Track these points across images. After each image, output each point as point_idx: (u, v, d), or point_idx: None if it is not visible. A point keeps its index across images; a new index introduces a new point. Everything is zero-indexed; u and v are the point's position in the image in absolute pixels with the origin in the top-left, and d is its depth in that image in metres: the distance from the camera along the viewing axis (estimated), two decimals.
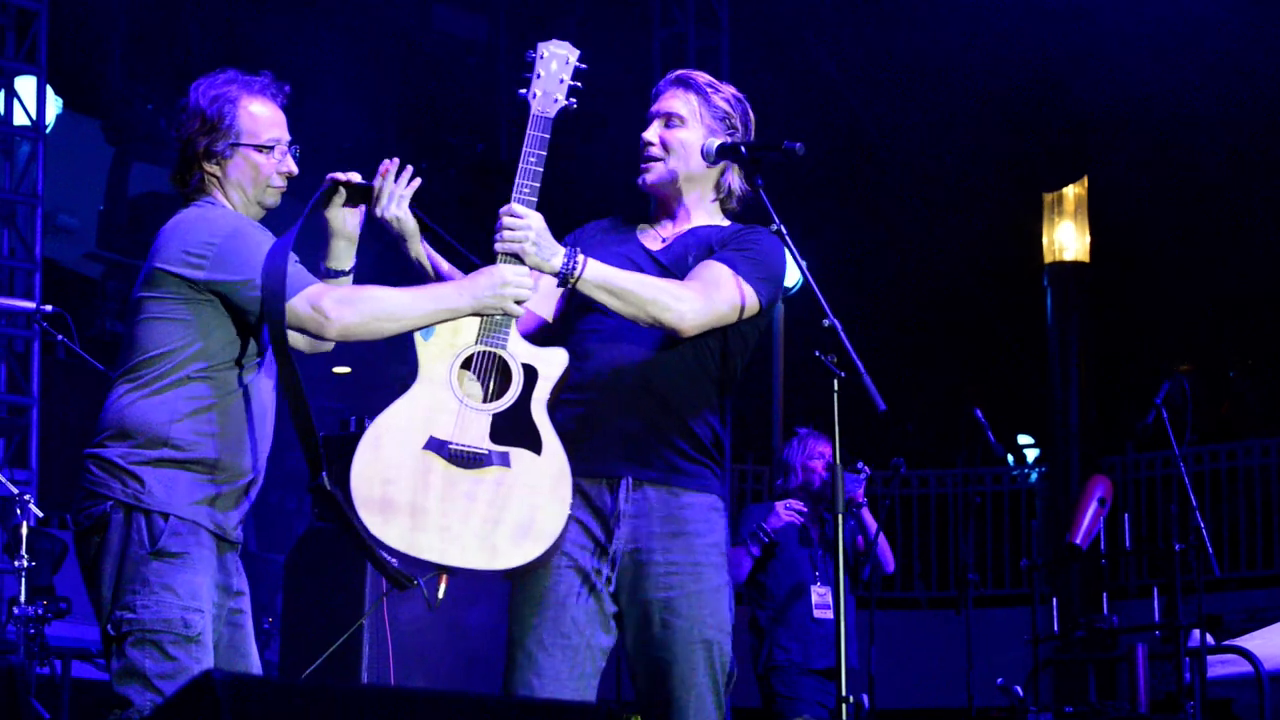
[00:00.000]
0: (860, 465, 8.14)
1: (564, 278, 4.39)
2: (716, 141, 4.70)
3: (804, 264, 4.61)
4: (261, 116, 4.56)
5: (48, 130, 11.56)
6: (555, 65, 4.61)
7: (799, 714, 7.99)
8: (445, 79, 14.57)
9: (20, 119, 11.41)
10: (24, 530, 7.84)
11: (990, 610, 12.74)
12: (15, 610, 7.83)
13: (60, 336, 8.09)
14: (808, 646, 8.06)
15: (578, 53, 4.65)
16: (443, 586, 4.33)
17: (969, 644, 8.59)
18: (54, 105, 12.27)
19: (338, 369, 16.20)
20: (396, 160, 4.63)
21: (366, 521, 4.28)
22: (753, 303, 4.54)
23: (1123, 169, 14.51)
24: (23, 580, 7.79)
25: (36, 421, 11.08)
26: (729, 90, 4.79)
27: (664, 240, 4.69)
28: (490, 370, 4.42)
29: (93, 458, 4.37)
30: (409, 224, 4.65)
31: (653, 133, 4.69)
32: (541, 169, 4.49)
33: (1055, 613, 9.53)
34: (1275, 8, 12.77)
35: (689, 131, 4.68)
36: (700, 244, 4.65)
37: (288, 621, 7.36)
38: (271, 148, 4.56)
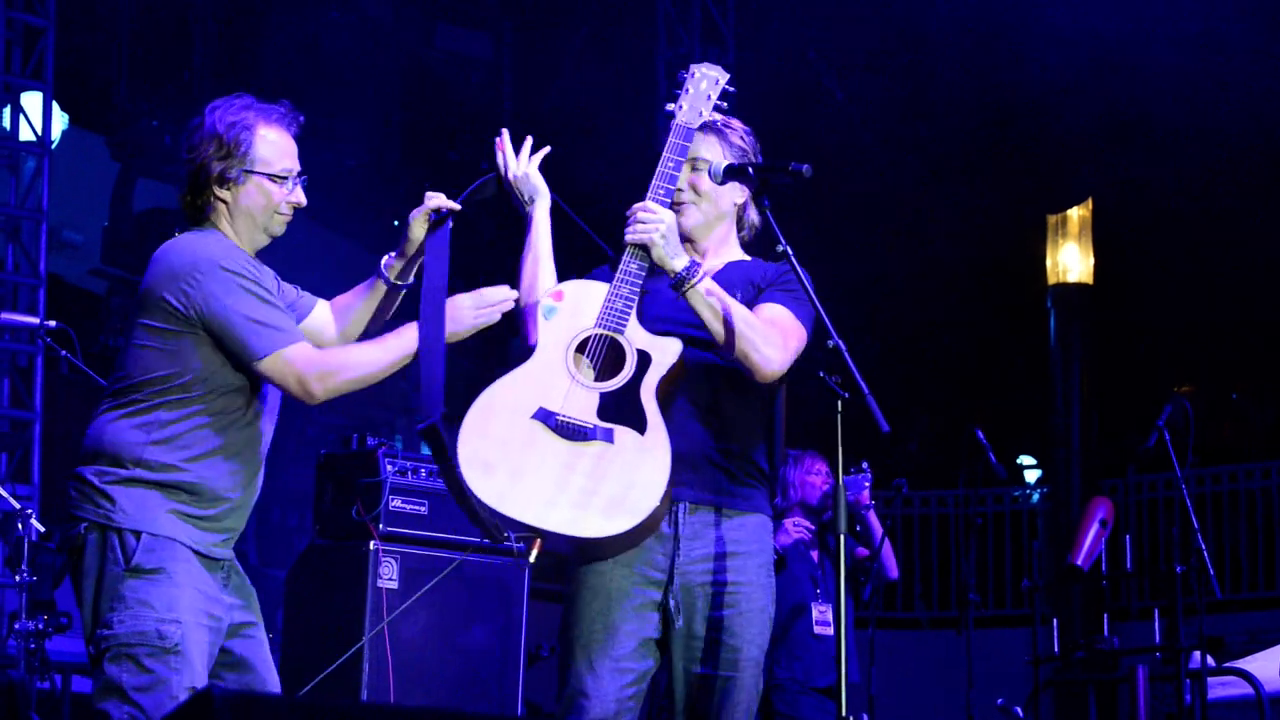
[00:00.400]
0: (864, 465, 8.16)
1: (682, 280, 4.54)
2: (724, 163, 4.77)
3: (810, 284, 4.64)
4: (278, 145, 4.60)
5: (53, 146, 11.58)
6: (705, 84, 4.82)
7: None
8: (449, 97, 14.59)
9: (26, 134, 11.42)
10: (25, 545, 7.84)
11: (991, 631, 12.71)
12: (16, 625, 7.83)
13: (64, 352, 8.09)
14: (809, 665, 8.05)
15: (728, 75, 4.86)
16: (534, 551, 4.40)
17: (969, 664, 8.58)
18: (59, 121, 12.30)
19: None
20: (505, 131, 4.92)
21: (466, 476, 4.42)
22: (805, 344, 4.73)
23: (1127, 191, 14.51)
24: (24, 595, 7.79)
25: (39, 437, 11.08)
26: (739, 125, 4.89)
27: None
28: (605, 353, 4.58)
29: (73, 478, 4.41)
30: (539, 184, 4.89)
31: (684, 179, 4.76)
32: (678, 174, 4.71)
33: (1056, 634, 9.53)
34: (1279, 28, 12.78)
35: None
36: (744, 283, 4.78)
37: (288, 637, 7.36)
38: (285, 178, 4.56)
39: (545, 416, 4.50)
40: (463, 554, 7.03)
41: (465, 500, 4.44)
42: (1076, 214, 14.78)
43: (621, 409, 4.52)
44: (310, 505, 7.54)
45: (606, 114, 13.64)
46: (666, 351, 4.60)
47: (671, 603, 4.61)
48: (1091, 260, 14.73)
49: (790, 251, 4.61)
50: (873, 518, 8.49)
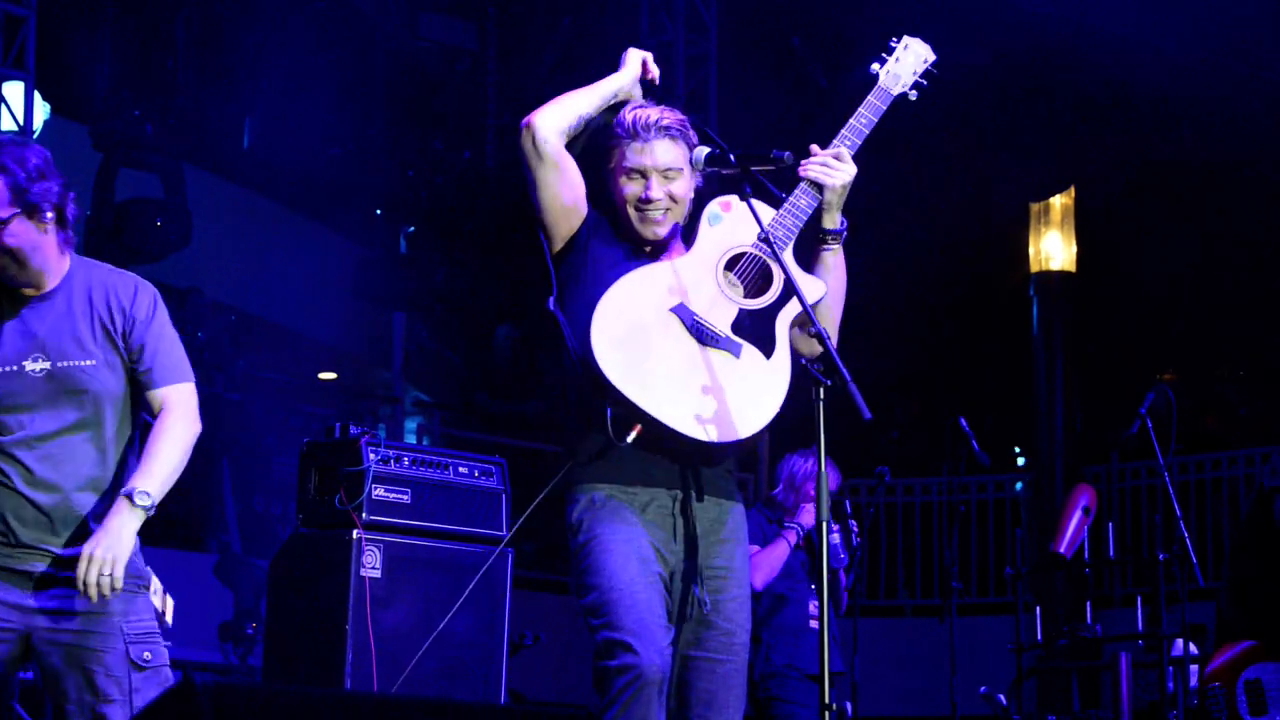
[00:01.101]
0: (834, 528, 8.11)
1: (837, 234, 4.82)
2: (705, 150, 4.78)
3: (790, 271, 4.65)
4: None
5: (35, 135, 11.55)
6: (912, 58, 5.03)
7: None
8: (433, 86, 14.58)
9: (8, 124, 11.39)
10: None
11: (974, 619, 12.74)
12: None
13: None
14: (807, 652, 8.05)
15: (934, 57, 5.03)
16: (634, 433, 4.41)
17: (953, 652, 8.58)
18: (41, 111, 12.26)
19: (323, 375, 16.23)
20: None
21: (594, 343, 4.51)
22: None
23: (1109, 179, 14.53)
24: None
25: None
26: (678, 115, 4.88)
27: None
28: (754, 273, 4.69)
29: None
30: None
31: (659, 190, 4.76)
32: (867, 132, 4.89)
33: (1039, 621, 9.55)
34: (1264, 17, 12.78)
35: (686, 179, 4.82)
36: None
37: (272, 626, 7.35)
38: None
39: (684, 313, 4.60)
40: (451, 543, 7.04)
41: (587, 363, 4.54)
42: (1059, 202, 14.80)
43: (755, 329, 4.63)
44: (294, 494, 7.52)
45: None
46: (812, 289, 4.73)
47: (696, 590, 4.64)
48: (1074, 248, 14.75)
49: (771, 240, 4.63)
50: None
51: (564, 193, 4.74)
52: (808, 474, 8.16)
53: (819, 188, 4.74)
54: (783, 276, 4.66)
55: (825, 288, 4.76)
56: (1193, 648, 8.49)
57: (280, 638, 7.22)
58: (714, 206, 4.75)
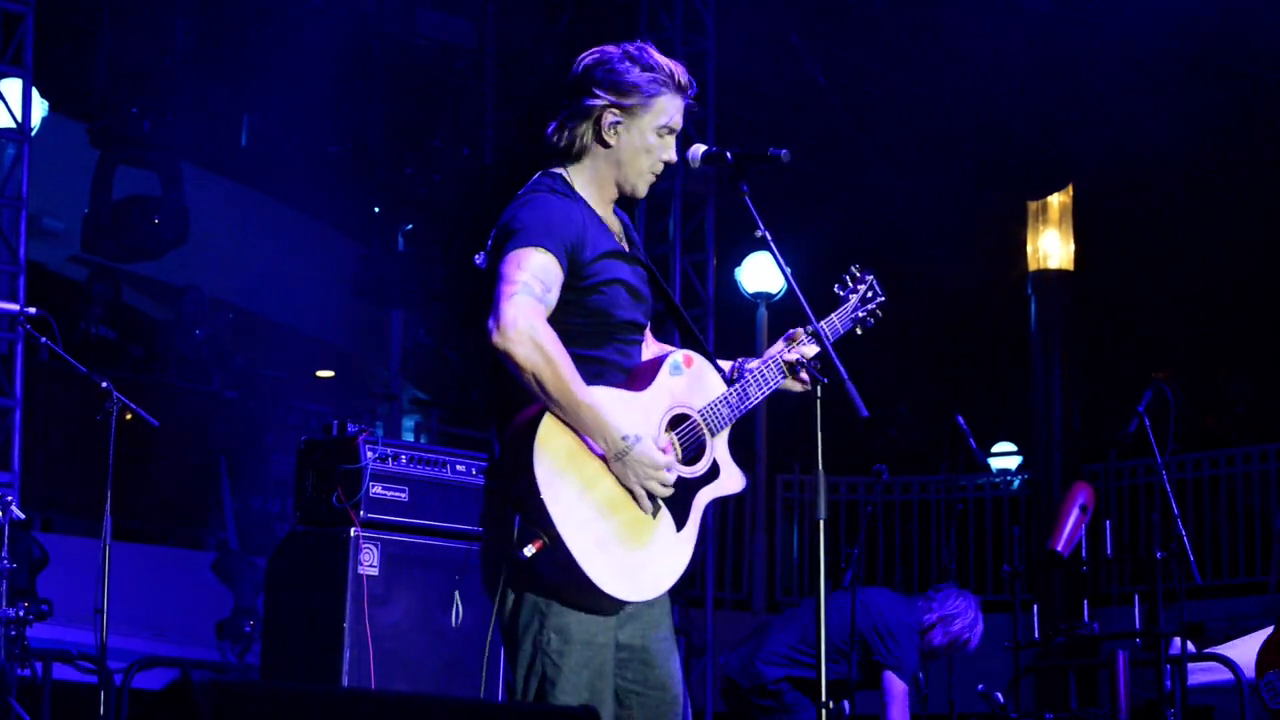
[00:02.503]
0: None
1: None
2: (702, 148, 4.74)
3: (788, 270, 4.63)
4: None
5: (33, 133, 11.54)
6: (869, 292, 4.99)
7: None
8: (431, 84, 14.56)
9: (5, 121, 11.39)
10: (5, 532, 7.82)
11: None
12: None
13: (44, 339, 8.09)
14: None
15: (882, 299, 5.00)
16: (533, 549, 4.31)
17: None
18: (39, 108, 12.25)
19: (321, 373, 16.21)
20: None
21: (538, 440, 4.26)
22: None
23: (1107, 177, 14.53)
24: (3, 582, 7.78)
25: (19, 424, 11.06)
26: None
27: (637, 256, 4.70)
28: (691, 441, 4.53)
29: None
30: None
31: (673, 152, 4.65)
32: (843, 332, 4.96)
33: (1037, 619, 9.54)
34: (1259, 14, 12.79)
35: None
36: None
37: (269, 624, 7.36)
38: None
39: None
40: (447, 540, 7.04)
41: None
42: (1057, 200, 14.80)
43: (676, 495, 4.45)
44: (291, 492, 7.53)
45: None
46: (733, 481, 4.60)
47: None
48: (1072, 246, 14.75)
49: (769, 237, 4.60)
50: None
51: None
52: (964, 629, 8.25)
53: (787, 372, 4.69)
54: (712, 456, 4.55)
55: (744, 483, 4.65)
56: (1190, 646, 8.48)
57: (278, 635, 7.24)
58: (678, 357, 4.58)
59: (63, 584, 9.31)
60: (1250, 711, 8.71)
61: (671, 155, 4.62)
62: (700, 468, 4.53)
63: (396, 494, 7.19)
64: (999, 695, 8.71)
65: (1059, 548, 8.71)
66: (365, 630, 6.85)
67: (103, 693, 8.12)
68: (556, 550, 4.27)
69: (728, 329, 13.86)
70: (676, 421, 4.53)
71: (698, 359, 4.62)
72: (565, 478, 4.30)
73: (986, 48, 13.09)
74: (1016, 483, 15.54)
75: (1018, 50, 13.23)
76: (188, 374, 13.84)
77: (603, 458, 4.34)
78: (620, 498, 4.37)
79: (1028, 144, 14.17)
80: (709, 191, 13.88)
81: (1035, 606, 9.76)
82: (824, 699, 4.56)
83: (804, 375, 4.66)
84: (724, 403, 4.58)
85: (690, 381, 4.57)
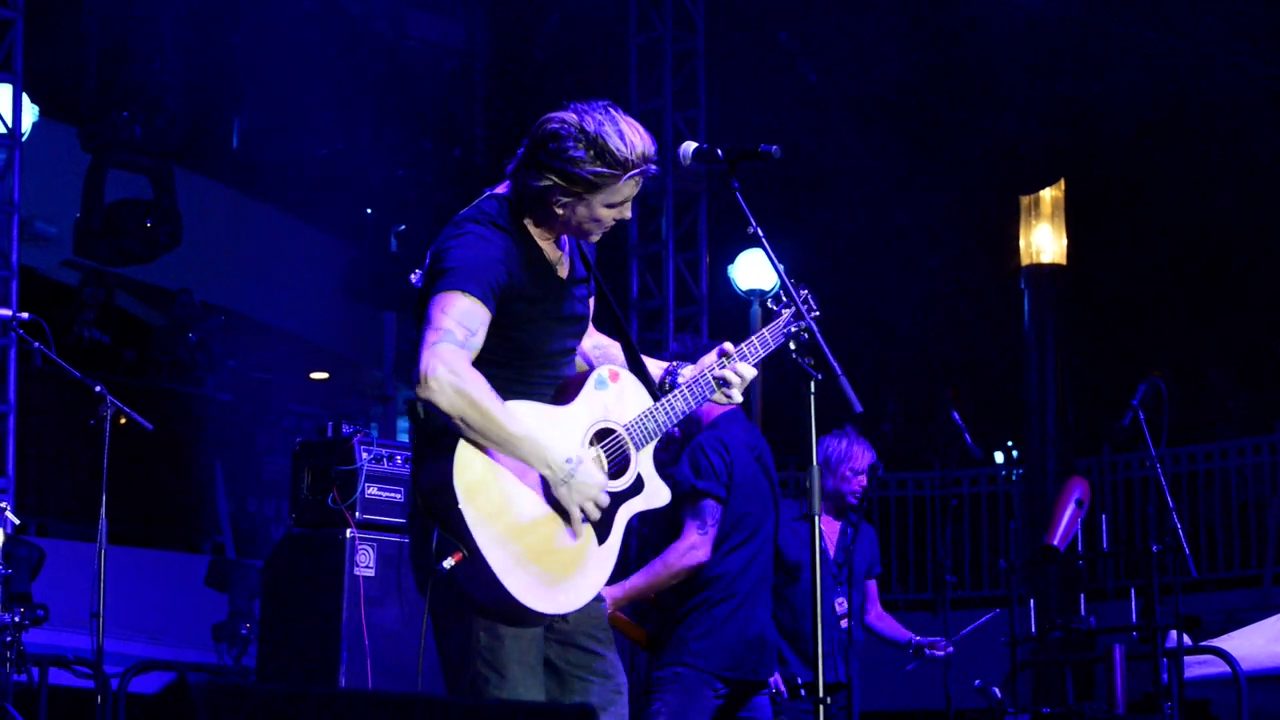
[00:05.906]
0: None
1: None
2: (693, 146, 4.73)
3: (781, 266, 4.63)
4: None
5: (24, 138, 11.54)
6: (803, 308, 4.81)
7: None
8: (421, 85, 14.58)
9: None
10: (0, 538, 7.81)
11: (968, 612, 12.71)
12: None
13: (37, 344, 8.07)
14: (833, 654, 7.98)
15: (819, 313, 4.85)
16: (451, 561, 4.31)
17: None
18: (30, 113, 12.25)
19: (315, 375, 16.21)
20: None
21: (455, 470, 4.28)
22: None
23: (1100, 172, 14.53)
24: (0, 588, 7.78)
25: (13, 429, 11.05)
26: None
27: (578, 277, 4.68)
28: (616, 455, 4.54)
29: None
30: None
31: (628, 212, 4.57)
32: (764, 354, 4.83)
33: (1033, 614, 9.57)
34: (1261, 13, 12.80)
35: None
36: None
37: (265, 627, 7.35)
38: None
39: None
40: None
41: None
42: (1049, 195, 14.79)
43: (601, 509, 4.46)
44: (286, 494, 7.53)
45: (578, 100, 13.62)
46: (657, 495, 4.62)
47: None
48: (1065, 241, 14.74)
49: (761, 234, 4.60)
50: None
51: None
52: (842, 455, 8.05)
53: (715, 386, 4.67)
54: (636, 470, 4.55)
55: (669, 497, 4.66)
56: (1186, 639, 8.49)
57: (274, 637, 7.23)
58: (603, 372, 4.56)
59: (58, 589, 9.31)
60: (1247, 705, 8.72)
61: (626, 215, 4.55)
62: (624, 481, 4.53)
63: (392, 495, 7.19)
64: (996, 690, 8.71)
65: (1055, 542, 8.71)
66: (362, 631, 6.85)
67: (99, 697, 8.12)
68: (475, 563, 4.28)
69: (721, 326, 13.87)
70: (601, 436, 4.52)
71: (624, 374, 4.61)
72: (485, 493, 4.31)
73: (978, 41, 13.10)
74: (1012, 477, 15.54)
75: (1010, 43, 13.24)
76: (181, 377, 13.84)
77: (543, 479, 4.34)
78: (541, 512, 4.37)
79: (1021, 138, 14.18)
80: (701, 189, 13.89)
81: (1031, 601, 9.77)
82: (820, 694, 4.57)
83: (731, 392, 4.67)
84: (650, 417, 4.59)
85: (615, 396, 4.56)
